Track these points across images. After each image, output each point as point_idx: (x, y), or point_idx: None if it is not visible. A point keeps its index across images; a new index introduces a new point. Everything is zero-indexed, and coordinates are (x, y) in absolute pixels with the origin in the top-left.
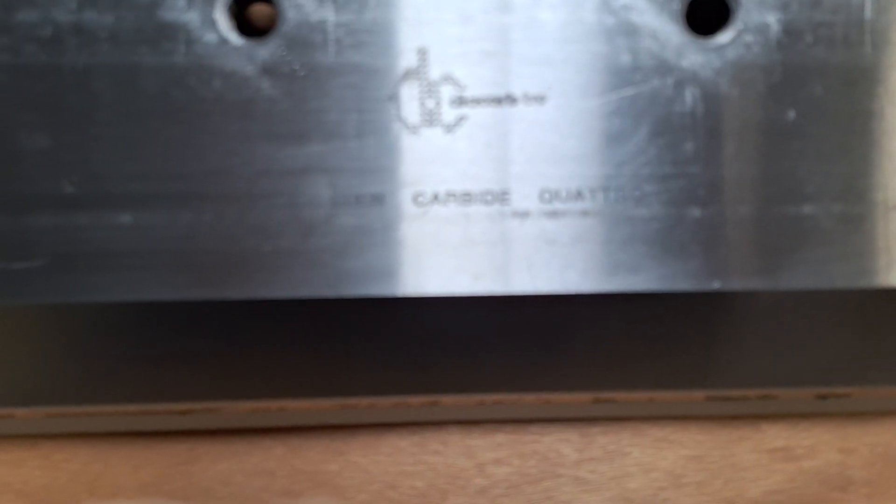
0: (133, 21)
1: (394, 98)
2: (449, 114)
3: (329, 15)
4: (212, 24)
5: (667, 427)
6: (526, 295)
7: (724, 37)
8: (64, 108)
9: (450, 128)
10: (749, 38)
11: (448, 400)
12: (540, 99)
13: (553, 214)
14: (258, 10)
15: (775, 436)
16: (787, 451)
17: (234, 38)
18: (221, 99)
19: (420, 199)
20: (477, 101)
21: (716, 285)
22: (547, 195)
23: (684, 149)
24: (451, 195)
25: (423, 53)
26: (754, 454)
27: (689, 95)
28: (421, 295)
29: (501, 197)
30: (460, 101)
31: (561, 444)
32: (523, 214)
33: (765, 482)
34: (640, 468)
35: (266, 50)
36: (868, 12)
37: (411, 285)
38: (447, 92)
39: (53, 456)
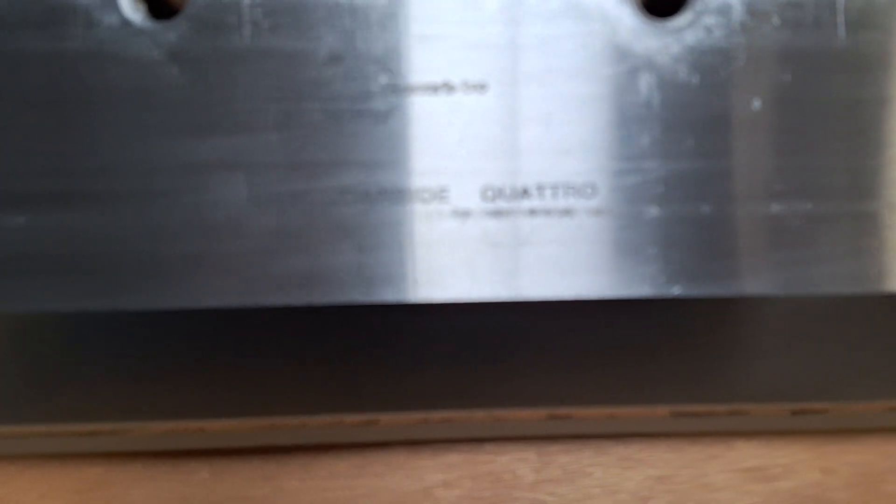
0: (22, 2)
1: (317, 83)
2: (381, 102)
3: None
4: (113, 4)
5: (632, 445)
6: (469, 301)
7: (681, 19)
8: None
9: (381, 117)
10: (709, 20)
11: (387, 419)
12: (481, 87)
13: (496, 214)
14: None
15: (749, 454)
16: (761, 471)
17: (138, 19)
18: (123, 87)
19: (348, 196)
20: (411, 90)
21: (675, 290)
22: (489, 193)
23: (640, 142)
24: (382, 192)
25: (349, 34)
26: (726, 474)
27: (645, 83)
28: (346, 303)
29: (439, 195)
30: (393, 90)
31: (517, 464)
32: (464, 214)
33: None
34: (603, 490)
35: (174, 33)
36: None
37: (335, 294)
38: (379, 78)
39: None
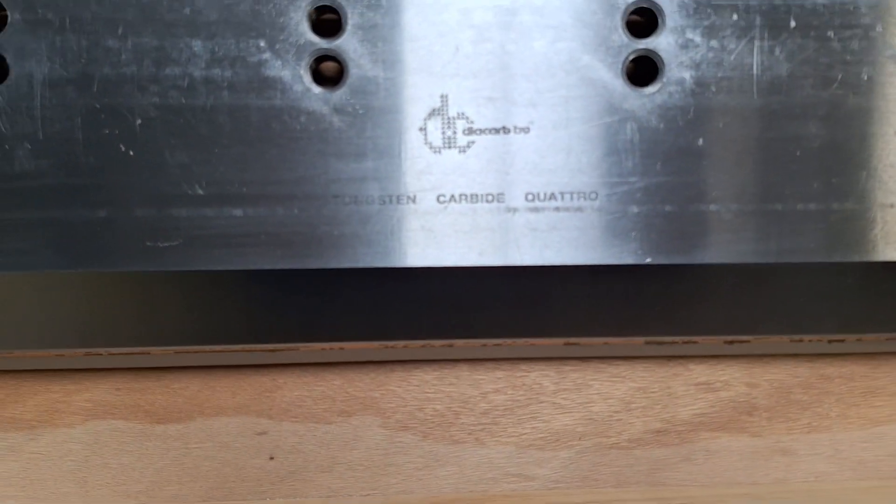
0: (245, 75)
1: (423, 129)
2: (462, 140)
3: (380, 72)
4: (299, 78)
5: (620, 366)
6: (515, 266)
7: (653, 88)
8: (196, 135)
9: (462, 149)
10: (671, 88)
11: (460, 343)
12: (526, 130)
13: (534, 210)
14: (327, 66)
15: (700, 373)
16: (708, 385)
17: (314, 88)
18: (306, 129)
19: (441, 198)
20: (482, 131)
21: (648, 260)
22: (530, 196)
23: (626, 165)
24: (463, 196)
25: (444, 98)
26: (684, 386)
27: (629, 128)
28: (442, 266)
29: (498, 197)
30: (470, 131)
31: (542, 378)
32: (513, 210)
33: (692, 407)
34: (600, 396)
35: (336, 96)
36: (755, 70)
37: (435, 259)
38: (461, 125)
39: (173, 385)
